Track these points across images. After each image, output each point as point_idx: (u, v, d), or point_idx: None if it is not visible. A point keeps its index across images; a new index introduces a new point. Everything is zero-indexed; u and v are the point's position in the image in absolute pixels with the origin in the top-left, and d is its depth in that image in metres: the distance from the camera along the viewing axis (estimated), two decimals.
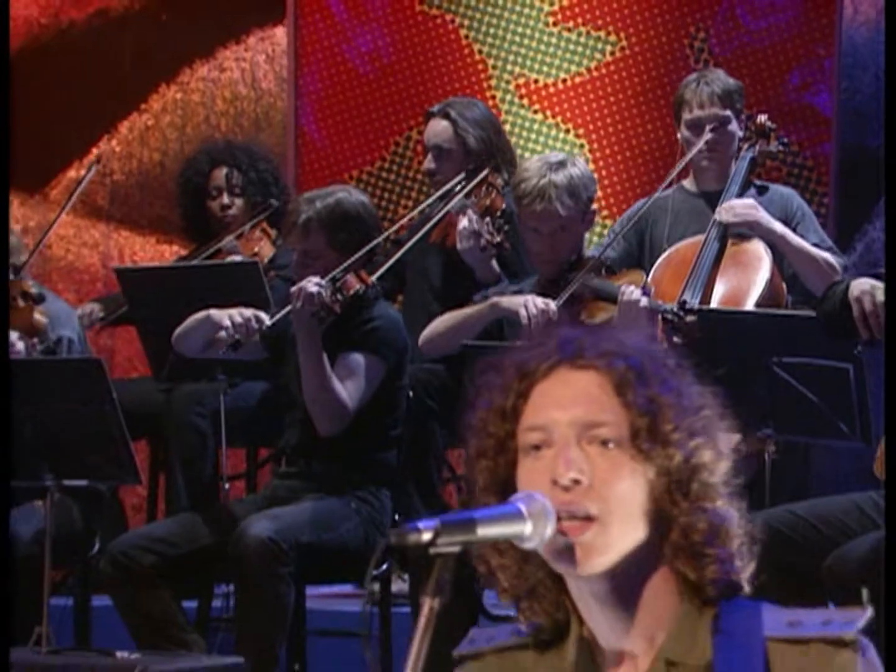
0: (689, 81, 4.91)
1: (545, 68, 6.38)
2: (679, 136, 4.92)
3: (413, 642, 1.74)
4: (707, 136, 4.80)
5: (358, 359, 4.48)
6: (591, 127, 6.32)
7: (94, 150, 7.13)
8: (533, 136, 6.05)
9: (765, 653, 1.82)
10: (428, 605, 1.75)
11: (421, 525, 1.76)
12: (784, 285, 4.76)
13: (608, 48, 6.31)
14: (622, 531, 1.83)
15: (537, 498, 1.84)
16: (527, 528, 1.82)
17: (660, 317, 4.32)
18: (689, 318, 4.30)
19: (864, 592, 3.53)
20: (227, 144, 5.69)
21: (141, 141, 7.09)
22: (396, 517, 4.58)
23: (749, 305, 4.63)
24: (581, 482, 1.83)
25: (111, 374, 6.06)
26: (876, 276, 3.82)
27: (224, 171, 5.45)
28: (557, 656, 1.92)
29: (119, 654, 3.94)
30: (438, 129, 5.21)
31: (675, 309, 4.33)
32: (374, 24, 6.58)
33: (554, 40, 6.39)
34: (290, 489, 4.51)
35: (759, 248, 4.74)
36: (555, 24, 6.39)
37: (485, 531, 1.80)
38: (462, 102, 5.43)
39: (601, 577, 1.85)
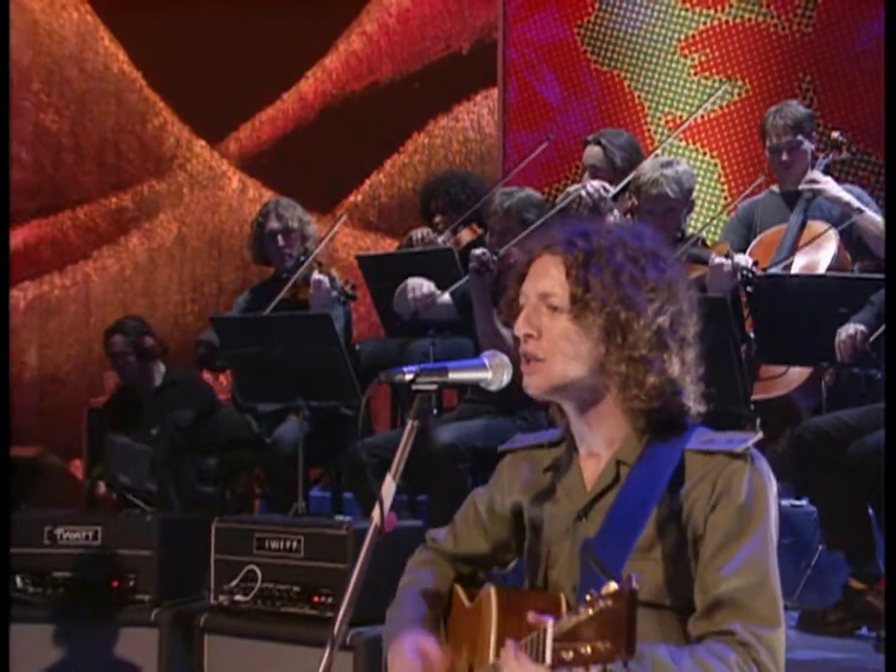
0: (768, 115, 4.85)
1: (688, 107, 6.38)
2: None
3: (398, 451, 1.88)
4: (784, 157, 4.77)
5: None
6: (723, 150, 6.32)
7: (367, 181, 7.42)
8: (679, 158, 6.05)
9: (681, 459, 1.89)
10: (410, 424, 1.91)
11: (405, 368, 1.91)
12: (849, 258, 4.68)
13: (736, 90, 6.31)
14: (563, 368, 1.91)
15: (499, 354, 1.97)
16: (488, 375, 1.96)
17: (738, 274, 4.30)
18: (759, 273, 4.27)
19: (757, 422, 3.61)
20: (436, 178, 5.82)
21: (400, 173, 7.38)
22: None
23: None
24: (532, 335, 1.92)
25: (367, 335, 6.31)
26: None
27: (433, 197, 5.60)
28: (557, 452, 2.05)
29: (337, 517, 4.11)
30: (593, 152, 5.18)
31: (749, 266, 4.30)
32: (559, 79, 6.67)
33: (695, 86, 6.41)
34: (471, 410, 4.61)
35: (829, 232, 4.68)
36: (696, 73, 6.41)
37: (455, 376, 1.94)
38: (611, 132, 5.37)
39: (561, 398, 1.95)
